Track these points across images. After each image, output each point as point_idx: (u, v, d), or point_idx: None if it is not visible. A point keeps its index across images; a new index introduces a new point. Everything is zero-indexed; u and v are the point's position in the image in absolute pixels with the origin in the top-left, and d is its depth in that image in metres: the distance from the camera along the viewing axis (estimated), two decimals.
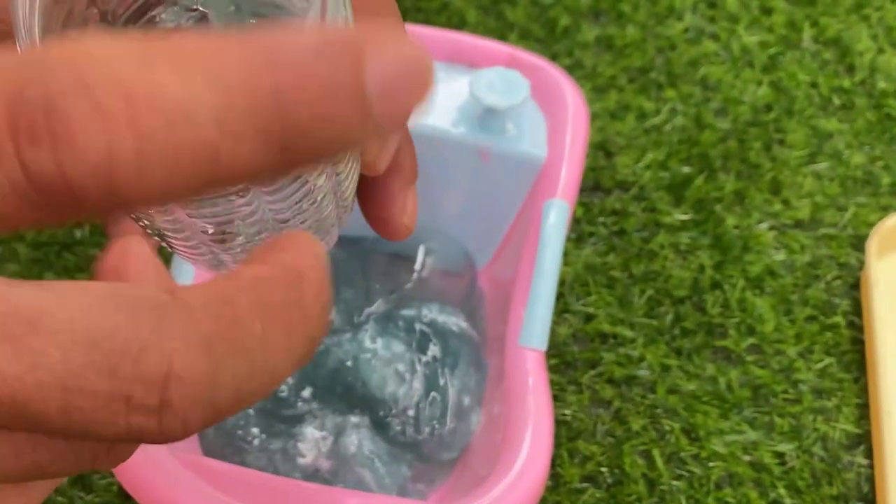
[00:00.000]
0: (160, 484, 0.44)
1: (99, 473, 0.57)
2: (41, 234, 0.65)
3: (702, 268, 0.66)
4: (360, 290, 0.61)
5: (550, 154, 0.57)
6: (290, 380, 0.56)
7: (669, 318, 0.64)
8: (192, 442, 0.54)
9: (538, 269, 0.53)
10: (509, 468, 0.46)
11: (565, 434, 0.59)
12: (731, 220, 0.68)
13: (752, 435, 0.60)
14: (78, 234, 0.66)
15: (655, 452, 0.59)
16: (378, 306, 0.60)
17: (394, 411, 0.55)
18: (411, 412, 0.55)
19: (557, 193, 0.56)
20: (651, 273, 0.66)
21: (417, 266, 0.60)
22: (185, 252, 0.28)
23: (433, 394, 0.56)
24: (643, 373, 0.62)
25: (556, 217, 0.55)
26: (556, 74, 0.60)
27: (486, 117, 0.58)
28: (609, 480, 0.58)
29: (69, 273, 0.64)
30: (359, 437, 0.55)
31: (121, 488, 0.56)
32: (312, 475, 0.54)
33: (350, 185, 0.31)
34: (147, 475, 0.44)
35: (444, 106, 0.59)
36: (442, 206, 0.62)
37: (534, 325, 0.52)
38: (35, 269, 0.64)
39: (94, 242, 0.65)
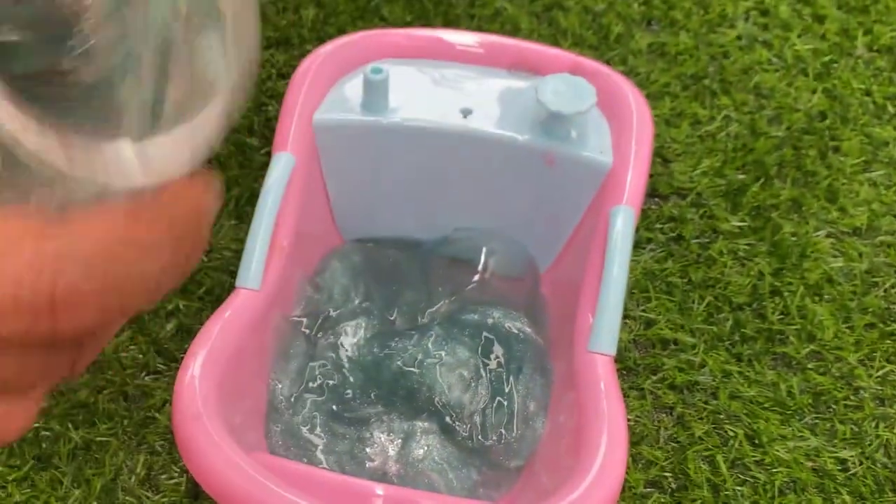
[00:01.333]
0: (234, 479, 0.44)
1: (167, 474, 0.57)
2: None
3: (760, 274, 0.66)
4: (422, 292, 0.61)
5: (616, 160, 0.57)
6: (354, 381, 0.56)
7: (729, 324, 0.64)
8: (260, 441, 0.54)
9: (607, 274, 0.53)
10: (586, 474, 0.46)
11: (630, 439, 0.59)
12: (788, 228, 0.68)
13: (813, 441, 0.60)
14: None
15: (719, 458, 0.59)
16: (440, 308, 0.60)
17: (460, 417, 0.55)
18: (477, 418, 0.55)
19: (624, 200, 0.56)
20: (710, 279, 0.66)
21: (480, 267, 0.60)
22: None
23: (498, 399, 0.56)
24: (704, 378, 0.62)
25: (624, 223, 0.54)
26: (619, 80, 0.60)
27: (552, 123, 0.58)
28: (673, 485, 0.58)
29: None
30: (427, 442, 0.55)
31: (187, 488, 0.56)
32: (380, 479, 0.54)
33: None
34: (220, 470, 0.44)
35: (509, 112, 0.59)
36: (506, 211, 0.62)
37: (603, 329, 0.52)
38: None
39: None
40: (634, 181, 0.57)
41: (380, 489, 0.47)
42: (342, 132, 0.59)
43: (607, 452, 0.46)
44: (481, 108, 0.59)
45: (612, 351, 0.51)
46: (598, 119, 0.60)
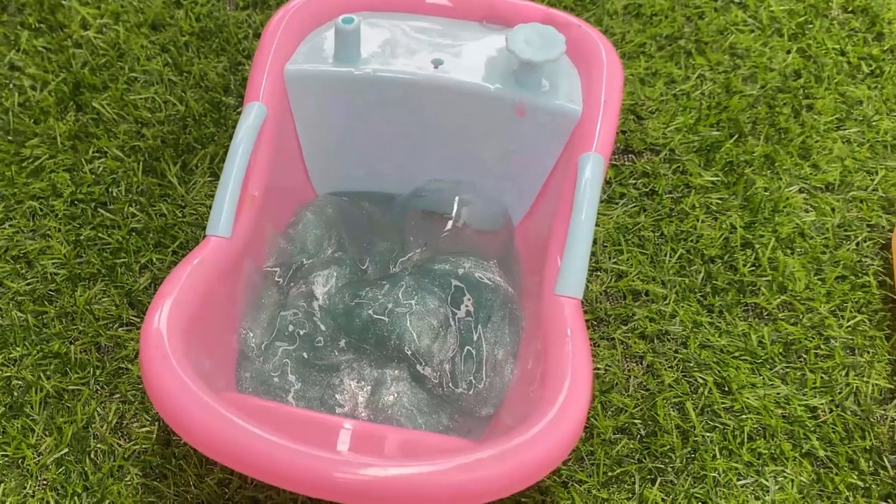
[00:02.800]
0: (200, 416, 0.44)
1: (138, 422, 0.57)
2: (78, 190, 0.66)
3: (732, 228, 0.66)
4: (395, 242, 0.61)
5: (586, 109, 0.57)
6: (325, 329, 0.56)
7: (701, 276, 0.64)
8: (230, 385, 0.54)
9: (575, 219, 0.53)
10: (549, 408, 0.46)
11: (598, 387, 0.59)
12: (760, 183, 0.69)
13: (784, 389, 0.60)
14: (114, 191, 0.66)
15: (688, 405, 0.59)
16: (412, 257, 0.60)
17: (430, 365, 0.55)
18: (447, 366, 0.55)
19: (593, 147, 0.56)
20: (682, 233, 0.66)
21: (452, 217, 0.60)
22: None
23: (467, 348, 0.56)
24: (675, 328, 0.62)
25: (593, 170, 0.55)
26: (590, 32, 0.60)
27: (522, 73, 0.58)
28: (643, 432, 0.58)
29: (105, 228, 0.65)
30: (397, 389, 0.55)
31: (157, 435, 0.56)
32: None
33: None
34: (187, 407, 0.44)
35: (480, 62, 0.59)
36: (479, 162, 0.62)
37: (570, 273, 0.52)
38: (72, 225, 0.65)
39: (131, 200, 0.66)
40: (604, 129, 0.57)
41: (347, 423, 0.47)
42: (314, 82, 0.59)
43: (571, 388, 0.47)
44: (453, 59, 0.60)
45: (579, 294, 0.52)
46: (569, 69, 0.60)
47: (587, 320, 0.62)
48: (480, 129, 0.60)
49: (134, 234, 0.64)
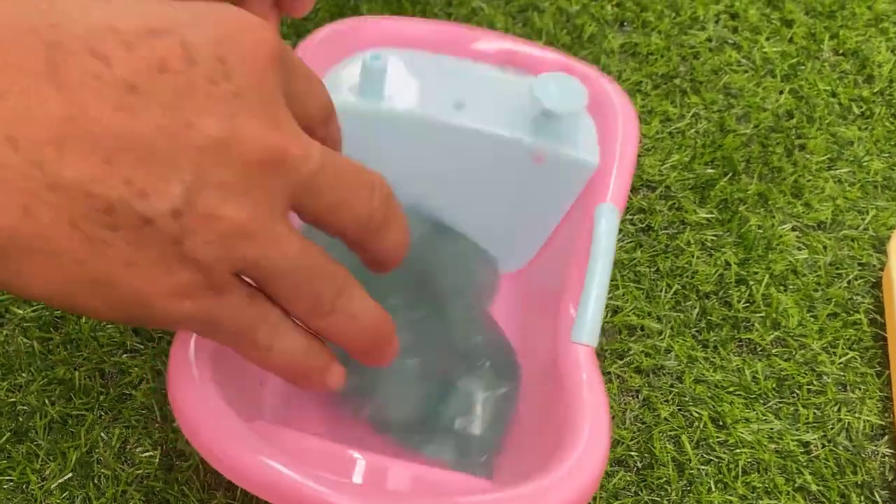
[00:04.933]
0: (233, 449, 0.44)
1: (141, 447, 0.58)
2: None
3: (727, 264, 0.68)
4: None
5: (602, 160, 0.58)
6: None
7: (696, 311, 0.66)
8: (252, 411, 0.54)
9: (591, 268, 0.54)
10: (567, 458, 0.46)
11: None
12: (754, 220, 0.70)
13: (777, 424, 0.61)
14: None
15: (684, 438, 0.60)
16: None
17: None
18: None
19: (608, 198, 0.57)
20: (677, 269, 0.68)
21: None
22: None
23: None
24: (670, 363, 0.63)
25: (608, 220, 0.56)
26: (605, 83, 0.61)
27: (542, 121, 0.59)
28: (639, 464, 0.59)
29: None
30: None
31: (160, 460, 0.57)
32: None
33: None
34: (215, 435, 0.44)
35: (501, 108, 0.60)
36: (488, 208, 0.62)
37: (586, 321, 0.52)
38: None
39: None
40: (619, 180, 0.58)
41: (373, 457, 0.48)
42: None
43: (590, 439, 0.47)
44: (474, 101, 0.60)
45: (594, 343, 0.52)
46: (586, 120, 0.61)
47: None
48: (496, 174, 0.61)
49: None
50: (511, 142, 0.59)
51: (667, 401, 0.62)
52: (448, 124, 0.60)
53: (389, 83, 0.60)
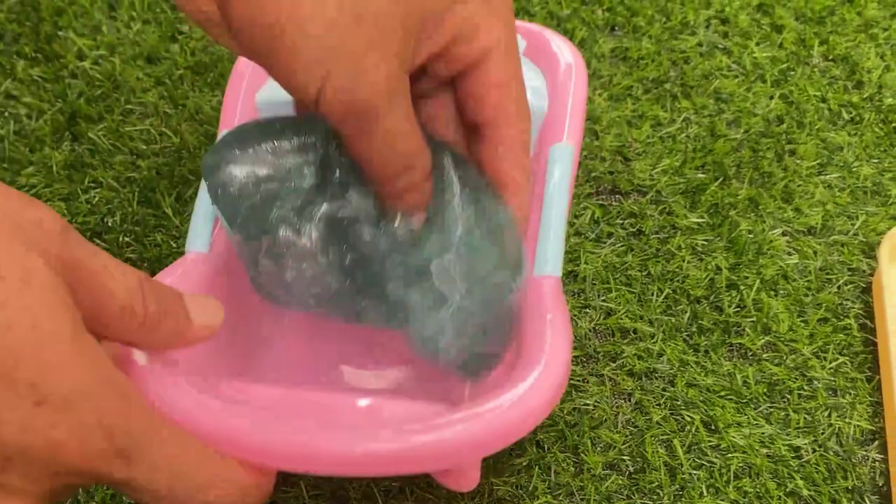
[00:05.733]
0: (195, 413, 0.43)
1: None
2: (74, 220, 0.66)
3: (718, 269, 0.68)
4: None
5: (553, 105, 0.59)
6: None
7: (687, 315, 0.66)
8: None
9: (547, 202, 0.54)
10: (530, 370, 0.45)
11: (588, 423, 0.60)
12: (745, 225, 0.70)
13: (768, 429, 0.61)
14: (109, 221, 0.67)
15: (676, 442, 0.60)
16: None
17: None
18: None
19: (563, 138, 0.57)
20: (668, 273, 0.68)
21: None
22: None
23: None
24: (662, 367, 0.63)
25: (562, 157, 0.56)
26: (552, 36, 0.62)
27: None
28: (631, 468, 0.59)
29: None
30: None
31: None
32: None
33: None
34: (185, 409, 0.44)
35: None
36: None
37: (546, 253, 0.53)
38: None
39: (126, 230, 0.66)
40: (572, 120, 0.58)
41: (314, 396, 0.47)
42: (284, 108, 0.60)
43: (550, 353, 0.46)
44: None
45: (558, 272, 0.52)
46: (534, 72, 0.62)
47: (577, 356, 0.63)
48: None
49: (129, 263, 0.65)
50: None
51: (659, 404, 0.62)
52: None
53: None
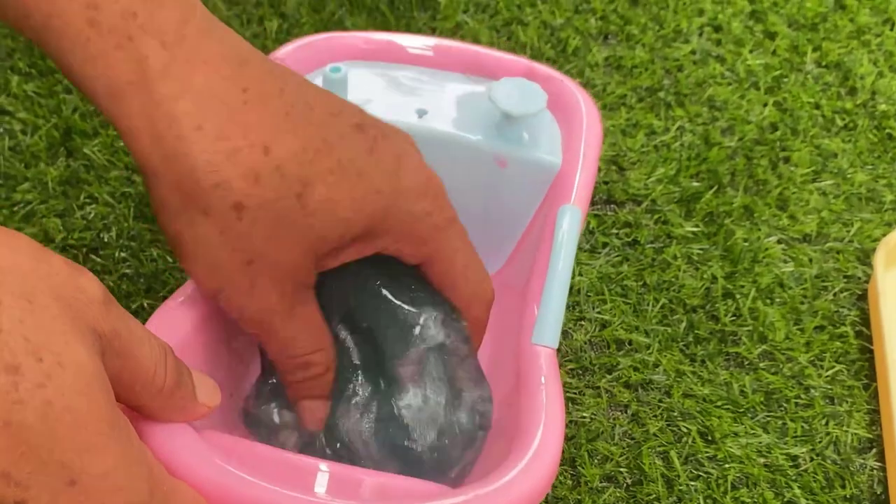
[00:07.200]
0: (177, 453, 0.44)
1: None
2: (69, 235, 0.66)
3: (713, 278, 0.68)
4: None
5: (565, 162, 0.59)
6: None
7: (683, 325, 0.66)
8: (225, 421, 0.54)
9: (552, 269, 0.54)
10: (522, 455, 0.46)
11: (585, 435, 0.61)
12: (740, 233, 0.70)
13: (765, 438, 0.61)
14: (105, 236, 0.67)
15: (673, 454, 0.60)
16: None
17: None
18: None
19: (571, 199, 0.57)
20: (664, 283, 0.68)
21: None
22: None
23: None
24: (658, 377, 0.63)
25: (570, 221, 0.56)
26: (570, 86, 0.62)
27: (504, 125, 0.59)
28: (629, 480, 0.59)
29: (97, 273, 0.65)
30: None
31: None
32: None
33: None
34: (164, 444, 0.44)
35: (463, 114, 0.61)
36: (460, 211, 0.63)
37: (546, 323, 0.52)
38: None
39: (122, 245, 0.66)
40: (582, 182, 0.58)
41: (324, 465, 0.47)
42: None
43: (542, 439, 0.47)
44: (437, 109, 0.61)
45: (554, 344, 0.52)
46: (550, 123, 0.61)
47: (572, 369, 0.64)
48: (462, 179, 0.61)
49: (125, 279, 0.65)
50: (473, 146, 0.60)
51: (655, 416, 0.62)
52: (409, 130, 0.60)
53: (352, 94, 0.60)
